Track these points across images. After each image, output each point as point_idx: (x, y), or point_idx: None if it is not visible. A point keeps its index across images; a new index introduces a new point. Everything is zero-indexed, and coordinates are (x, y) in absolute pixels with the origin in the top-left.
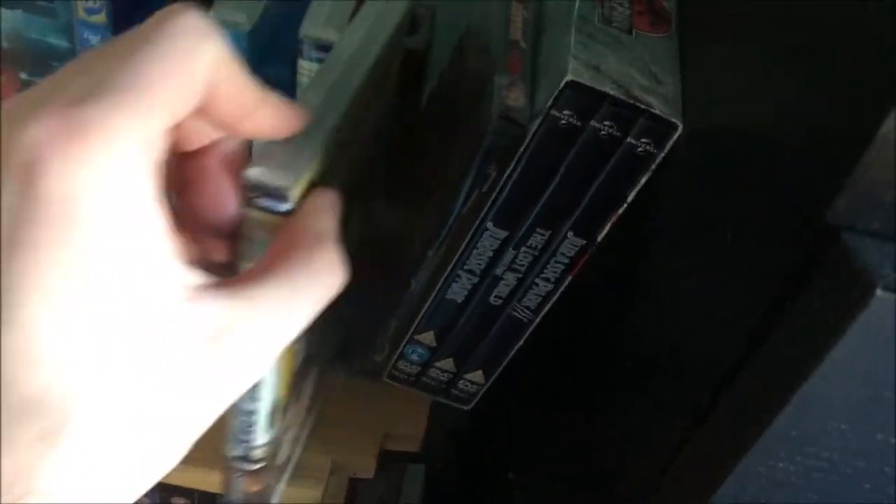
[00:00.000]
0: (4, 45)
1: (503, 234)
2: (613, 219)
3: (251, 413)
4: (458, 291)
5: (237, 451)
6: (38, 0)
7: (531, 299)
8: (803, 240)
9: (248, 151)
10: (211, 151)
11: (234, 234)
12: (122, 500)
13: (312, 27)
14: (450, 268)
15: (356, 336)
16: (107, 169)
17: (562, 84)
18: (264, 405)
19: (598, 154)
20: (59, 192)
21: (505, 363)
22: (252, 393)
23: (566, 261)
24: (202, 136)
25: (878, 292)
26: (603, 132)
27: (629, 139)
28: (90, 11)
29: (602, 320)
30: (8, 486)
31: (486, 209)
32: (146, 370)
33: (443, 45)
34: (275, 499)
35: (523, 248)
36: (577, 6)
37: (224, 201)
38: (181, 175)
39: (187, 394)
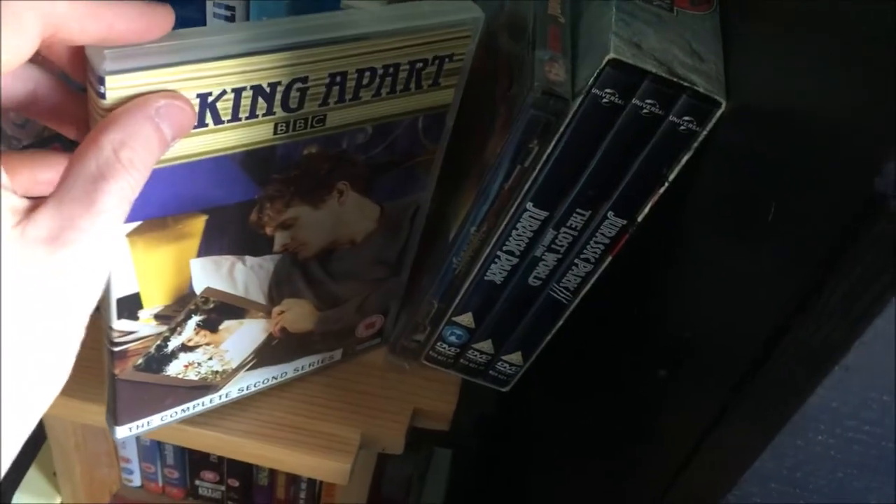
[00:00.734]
0: None
1: (543, 214)
2: (654, 198)
3: (104, 290)
4: (496, 273)
5: (103, 323)
6: None
7: (570, 280)
8: (847, 212)
9: None
10: None
11: None
12: (29, 416)
13: None
14: (489, 249)
15: (397, 316)
16: None
17: (604, 62)
18: (112, 290)
19: (640, 133)
20: None
21: (544, 344)
22: None
23: (606, 241)
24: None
25: None
26: (645, 110)
27: (671, 117)
28: None
29: (636, 302)
30: None
31: (527, 186)
32: (10, 293)
33: None
34: (167, 410)
35: (563, 229)
36: None
37: None
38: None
39: (47, 303)
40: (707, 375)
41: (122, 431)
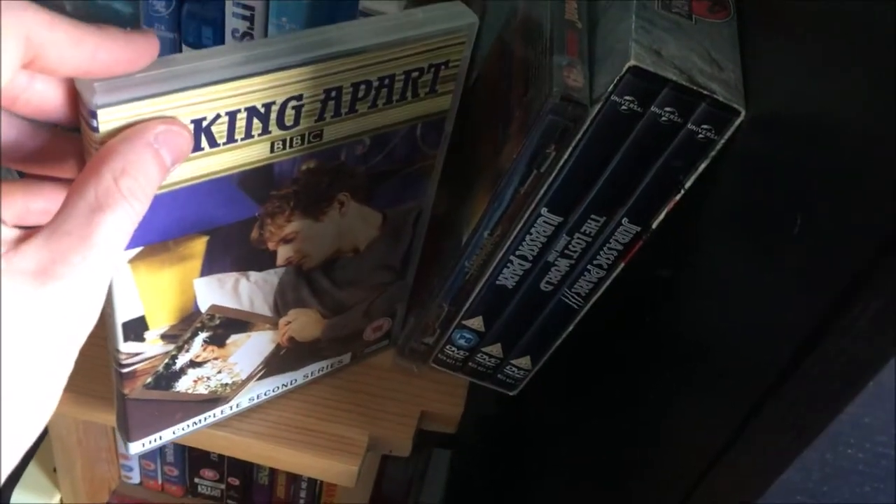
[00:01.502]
0: (68, 8)
1: (557, 220)
2: (670, 206)
3: (108, 314)
4: (508, 277)
5: (109, 345)
6: None
7: (582, 286)
8: (880, 226)
9: None
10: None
11: None
12: (13, 452)
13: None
14: (501, 253)
15: (405, 318)
16: None
17: (624, 69)
18: (117, 315)
19: (658, 140)
20: None
21: (553, 349)
22: (107, 297)
23: (619, 247)
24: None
25: None
26: (663, 118)
27: (690, 125)
28: None
29: (648, 309)
30: None
31: (542, 191)
32: None
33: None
34: (178, 424)
35: (577, 235)
36: None
37: None
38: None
39: (32, 338)
40: (729, 385)
41: (135, 447)
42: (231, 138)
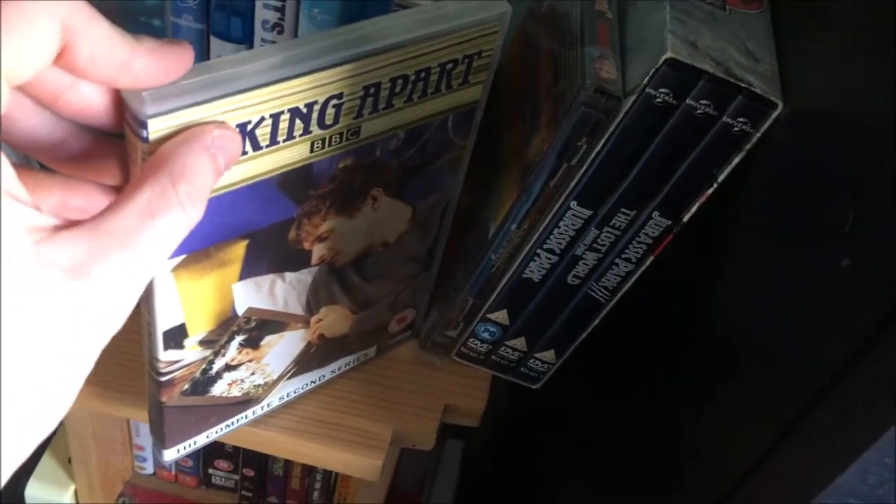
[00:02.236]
0: None
1: (587, 213)
2: (701, 199)
3: (148, 324)
4: (535, 270)
5: (146, 354)
6: None
7: (610, 279)
8: None
9: None
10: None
11: None
12: (25, 445)
13: None
14: (529, 247)
15: (428, 311)
16: None
17: (660, 61)
18: (158, 324)
19: (692, 133)
20: None
21: (578, 343)
22: (147, 305)
23: (649, 241)
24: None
25: None
26: (699, 111)
27: (725, 118)
28: None
29: (679, 305)
30: None
31: (572, 184)
32: (16, 312)
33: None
34: (212, 428)
35: (606, 228)
36: None
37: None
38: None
39: (53, 334)
40: (777, 386)
41: (170, 454)
42: (273, 140)
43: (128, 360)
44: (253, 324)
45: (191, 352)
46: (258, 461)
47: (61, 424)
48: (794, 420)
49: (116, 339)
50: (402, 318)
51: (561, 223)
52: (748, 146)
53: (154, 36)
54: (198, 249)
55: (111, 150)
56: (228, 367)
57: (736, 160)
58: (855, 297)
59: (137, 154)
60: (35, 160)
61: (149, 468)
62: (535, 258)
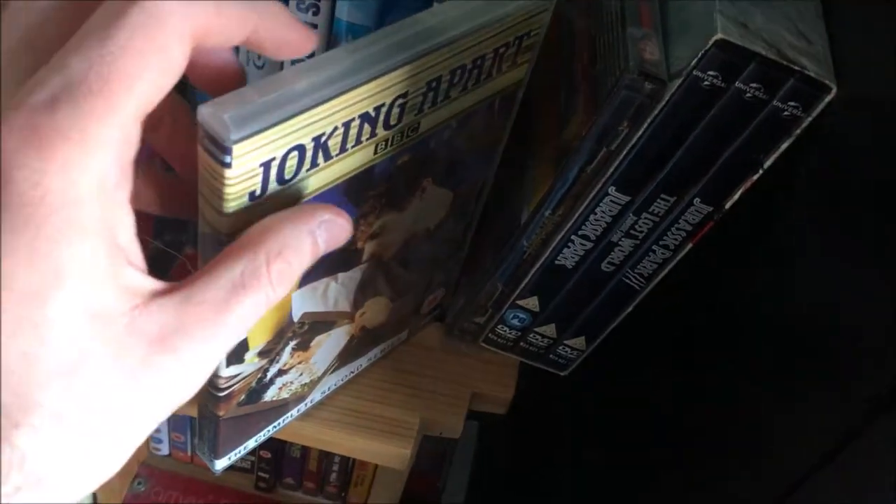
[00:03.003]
0: None
1: (625, 199)
2: (746, 186)
3: None
4: (569, 257)
5: None
6: None
7: (646, 266)
8: None
9: None
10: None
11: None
12: (72, 497)
13: None
14: (563, 233)
15: (456, 297)
16: (78, 177)
17: (710, 43)
18: None
19: (739, 117)
20: (27, 200)
21: (609, 330)
22: None
23: (689, 228)
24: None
25: None
26: (748, 94)
27: (775, 102)
28: None
29: (718, 291)
30: None
31: (611, 170)
32: (96, 374)
33: None
34: (260, 432)
35: (644, 215)
36: None
37: None
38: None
39: (134, 396)
40: (844, 383)
41: (221, 463)
42: (343, 148)
43: None
44: (306, 327)
45: (249, 364)
46: (275, 443)
47: None
48: (867, 416)
49: None
50: (433, 298)
51: (597, 209)
52: (797, 131)
53: None
54: None
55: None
56: (281, 372)
57: (784, 146)
58: None
59: (217, 181)
60: None
61: (164, 449)
62: (569, 244)
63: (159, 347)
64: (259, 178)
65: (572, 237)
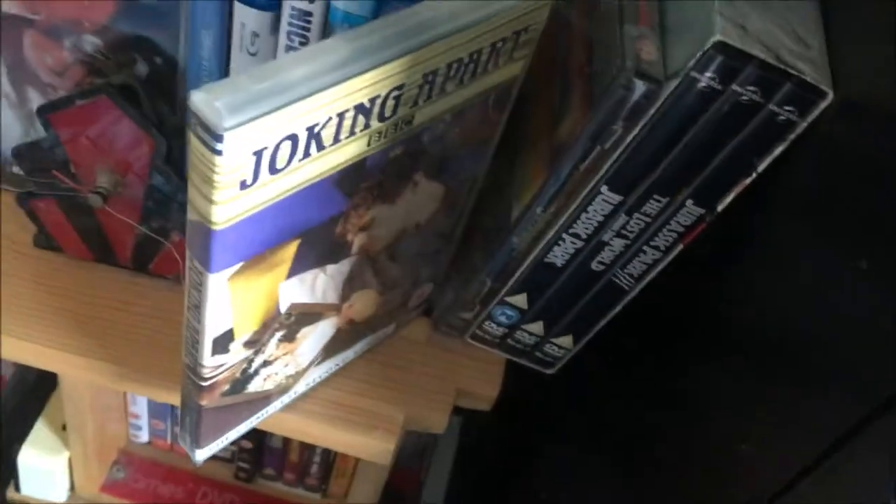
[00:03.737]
0: None
1: (617, 199)
2: (738, 189)
3: (196, 331)
4: (559, 255)
5: (186, 361)
6: None
7: (636, 267)
8: None
9: None
10: None
11: None
12: None
13: None
14: (553, 231)
15: (444, 292)
16: None
17: (708, 44)
18: (207, 332)
19: (735, 120)
20: None
21: (597, 329)
22: (196, 314)
23: (680, 229)
24: None
25: None
26: (744, 97)
27: (771, 106)
28: None
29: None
30: None
31: (604, 169)
32: None
33: None
34: (243, 423)
35: (636, 215)
36: None
37: None
38: None
39: None
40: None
41: (202, 454)
42: (336, 139)
43: (128, 332)
44: (293, 318)
45: (235, 354)
46: (256, 433)
47: (56, 391)
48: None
49: (120, 313)
50: (421, 293)
51: (589, 208)
52: (792, 136)
53: (169, 9)
54: (256, 255)
55: None
56: (266, 363)
57: (778, 150)
58: None
59: (209, 169)
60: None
61: (143, 436)
62: (560, 243)
63: None
64: (251, 167)
65: (563, 235)
